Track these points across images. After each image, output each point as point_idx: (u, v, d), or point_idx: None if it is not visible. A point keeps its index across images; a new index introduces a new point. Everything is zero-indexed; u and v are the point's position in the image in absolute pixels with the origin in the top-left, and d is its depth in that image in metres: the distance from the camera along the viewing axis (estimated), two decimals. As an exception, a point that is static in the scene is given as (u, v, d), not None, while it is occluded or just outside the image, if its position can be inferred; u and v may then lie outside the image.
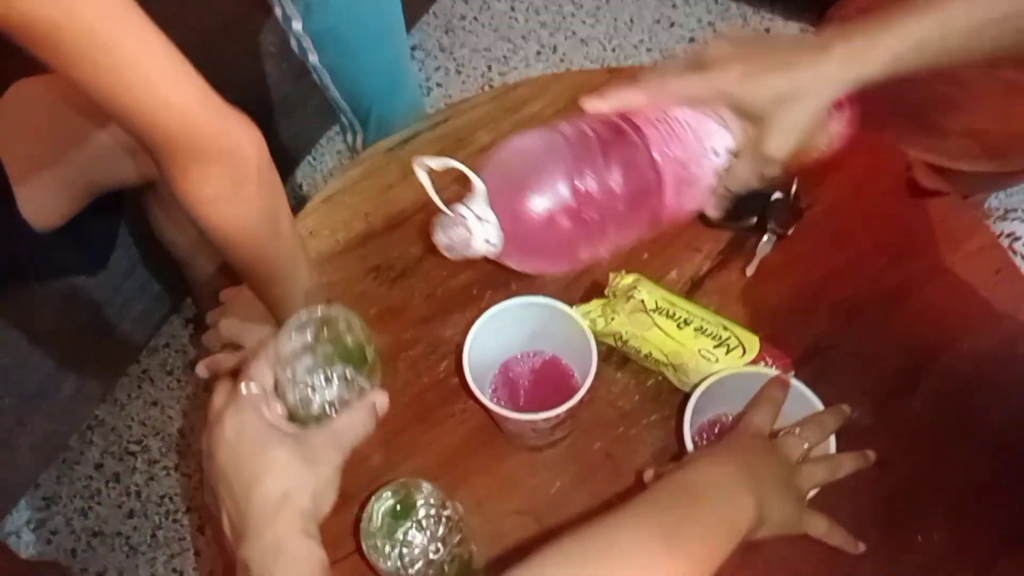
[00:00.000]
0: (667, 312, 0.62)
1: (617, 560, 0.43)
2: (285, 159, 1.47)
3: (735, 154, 0.57)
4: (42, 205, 0.94)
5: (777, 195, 0.71)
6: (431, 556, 0.52)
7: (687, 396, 0.58)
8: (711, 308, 0.64)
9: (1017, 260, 0.71)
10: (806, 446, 0.56)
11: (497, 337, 0.59)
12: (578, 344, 0.57)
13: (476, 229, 0.50)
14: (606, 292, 0.66)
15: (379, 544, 0.52)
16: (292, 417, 0.50)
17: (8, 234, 0.94)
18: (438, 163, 0.51)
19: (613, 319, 0.63)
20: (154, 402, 1.31)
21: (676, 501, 0.47)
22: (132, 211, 1.11)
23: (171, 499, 1.23)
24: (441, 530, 0.53)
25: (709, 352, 0.60)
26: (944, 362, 0.64)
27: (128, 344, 1.29)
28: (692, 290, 0.69)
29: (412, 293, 0.72)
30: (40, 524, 1.23)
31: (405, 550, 0.52)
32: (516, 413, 0.53)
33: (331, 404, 0.50)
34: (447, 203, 0.54)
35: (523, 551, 0.59)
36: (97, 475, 1.26)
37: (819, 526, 0.55)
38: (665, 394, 0.65)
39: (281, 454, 0.47)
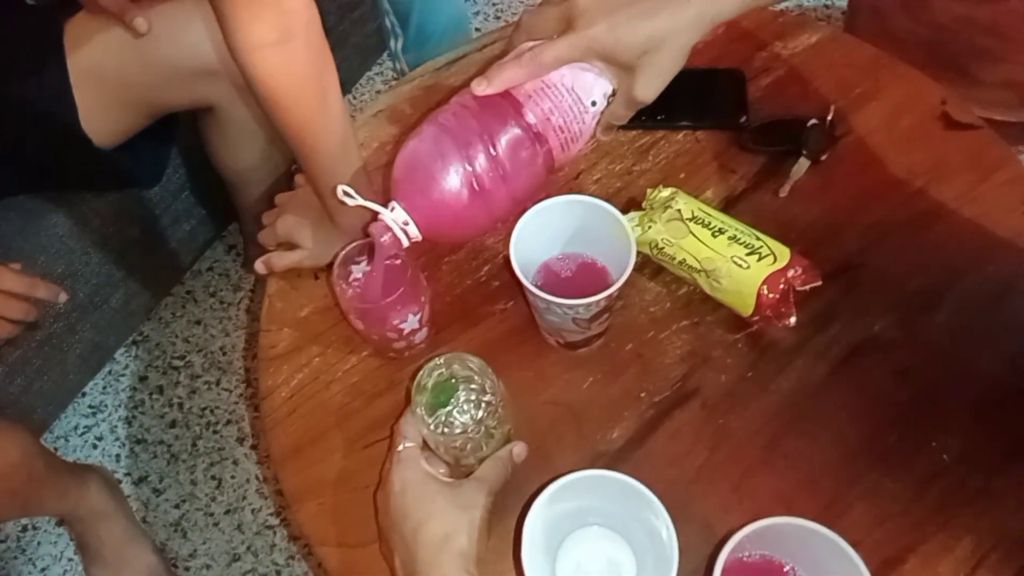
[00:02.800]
0: (703, 221, 0.65)
1: None
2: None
3: (613, 95, 0.60)
4: (104, 123, 0.98)
5: (813, 121, 0.73)
6: (469, 433, 0.57)
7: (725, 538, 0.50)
8: (746, 222, 0.67)
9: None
10: None
11: (540, 236, 0.62)
12: (616, 243, 0.60)
13: (400, 233, 0.58)
14: (643, 205, 0.69)
15: (424, 416, 0.56)
16: (451, 464, 0.58)
17: (69, 147, 0.99)
18: (352, 201, 0.59)
19: (650, 227, 0.66)
20: (197, 321, 1.36)
21: None
22: (185, 136, 1.16)
23: (212, 412, 1.29)
24: (480, 413, 0.57)
25: (742, 259, 0.62)
26: (968, 282, 0.67)
27: (173, 265, 1.34)
28: (726, 209, 0.72)
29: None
30: (86, 431, 1.30)
31: (447, 429, 0.57)
32: (562, 298, 0.56)
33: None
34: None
35: (555, 434, 0.64)
36: (141, 387, 1.32)
37: None
38: (695, 303, 0.68)
39: (439, 501, 0.55)
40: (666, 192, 0.68)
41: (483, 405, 0.57)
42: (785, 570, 0.53)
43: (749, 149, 0.75)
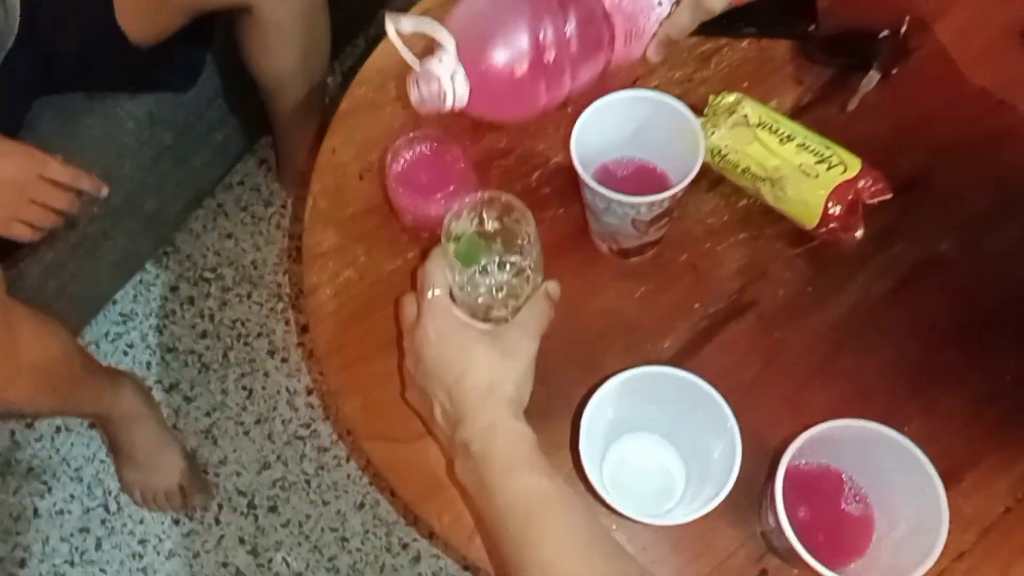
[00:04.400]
0: (770, 127, 0.62)
1: None
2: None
3: (676, 3, 0.59)
4: (140, 20, 0.96)
5: (885, 33, 0.70)
6: (495, 294, 0.55)
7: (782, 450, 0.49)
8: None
9: None
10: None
11: (600, 135, 0.60)
12: (680, 145, 0.57)
13: (448, 85, 0.52)
14: (705, 112, 0.66)
15: (455, 264, 0.54)
16: (472, 315, 0.55)
17: (105, 43, 0.96)
18: (412, 23, 0.52)
19: (713, 133, 0.63)
20: (228, 234, 1.36)
21: None
22: (219, 43, 1.13)
23: (243, 324, 1.30)
24: (507, 276, 0.55)
25: (810, 167, 0.60)
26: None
27: (206, 175, 1.33)
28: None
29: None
30: (117, 337, 1.31)
31: (470, 288, 0.55)
32: (625, 195, 0.54)
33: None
34: (419, 57, 0.55)
35: (604, 342, 0.63)
36: (172, 297, 1.32)
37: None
38: (755, 215, 0.66)
39: (481, 349, 0.52)
40: (731, 97, 0.65)
41: (508, 266, 0.55)
42: (843, 478, 0.52)
43: (817, 60, 0.72)
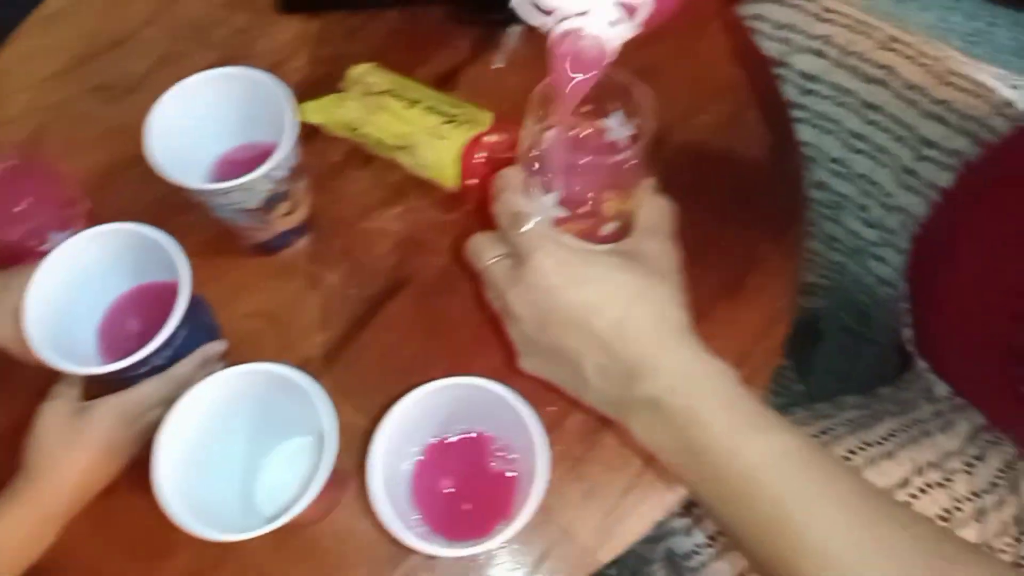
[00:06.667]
0: (396, 94, 0.59)
1: None
2: None
3: None
4: None
5: (524, -13, 0.69)
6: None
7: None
8: (455, 95, 0.61)
9: (755, 38, 0.72)
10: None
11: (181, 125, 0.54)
12: (274, 118, 0.52)
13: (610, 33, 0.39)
14: (340, 86, 0.63)
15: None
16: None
17: None
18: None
19: (343, 107, 0.60)
20: None
21: None
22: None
23: None
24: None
25: (437, 129, 0.58)
26: (678, 134, 0.65)
27: None
28: (442, 85, 0.66)
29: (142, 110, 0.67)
30: None
31: None
32: (218, 183, 0.49)
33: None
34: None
35: (256, 347, 0.57)
36: None
37: None
38: (409, 187, 0.62)
39: (626, 277, 0.40)
40: (362, 68, 0.62)
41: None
42: (491, 440, 0.49)
43: (466, 20, 0.70)
